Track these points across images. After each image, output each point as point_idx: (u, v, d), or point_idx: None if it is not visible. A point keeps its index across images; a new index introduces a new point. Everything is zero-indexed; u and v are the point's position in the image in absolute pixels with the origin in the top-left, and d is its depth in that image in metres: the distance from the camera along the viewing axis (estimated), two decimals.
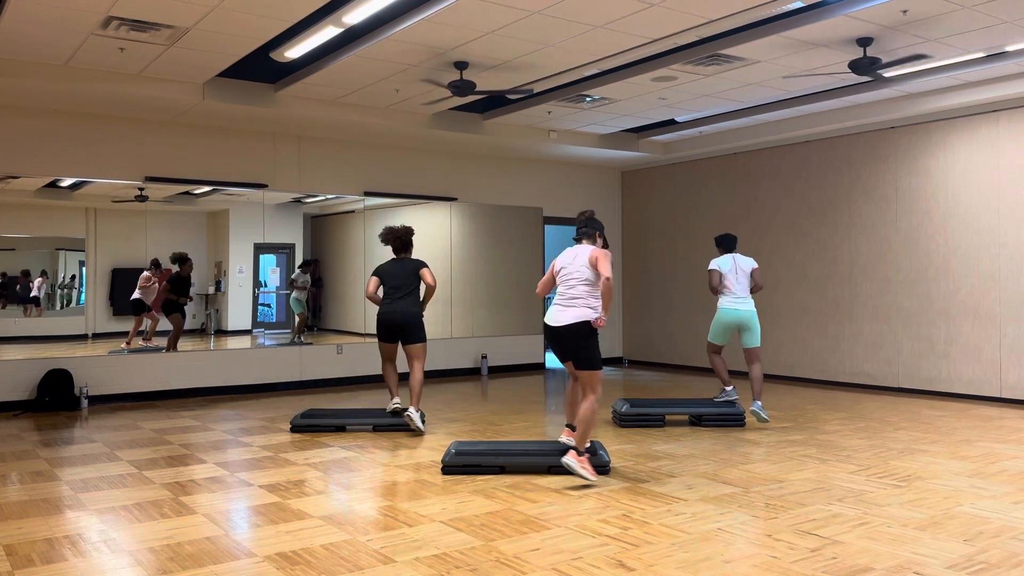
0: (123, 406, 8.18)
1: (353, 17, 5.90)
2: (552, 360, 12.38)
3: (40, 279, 8.74)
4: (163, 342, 9.07)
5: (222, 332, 9.82)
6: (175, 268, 9.20)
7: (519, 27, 6.16)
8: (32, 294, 8.69)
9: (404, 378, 8.46)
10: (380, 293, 6.69)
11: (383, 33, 6.31)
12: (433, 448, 5.99)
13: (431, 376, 10.27)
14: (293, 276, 10.22)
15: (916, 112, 8.45)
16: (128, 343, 9.03)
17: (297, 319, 10.23)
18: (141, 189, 8.80)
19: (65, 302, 9.00)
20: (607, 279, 4.94)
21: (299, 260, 10.24)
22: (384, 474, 5.22)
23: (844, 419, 7.18)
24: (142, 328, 9.19)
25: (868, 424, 6.93)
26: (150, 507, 4.44)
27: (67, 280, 8.97)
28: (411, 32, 6.24)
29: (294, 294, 10.23)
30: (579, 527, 4.03)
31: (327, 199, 10.18)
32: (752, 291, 6.96)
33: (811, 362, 9.83)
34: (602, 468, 5.13)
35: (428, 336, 6.70)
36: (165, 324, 9.17)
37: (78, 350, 8.69)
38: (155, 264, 9.16)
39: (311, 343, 10.00)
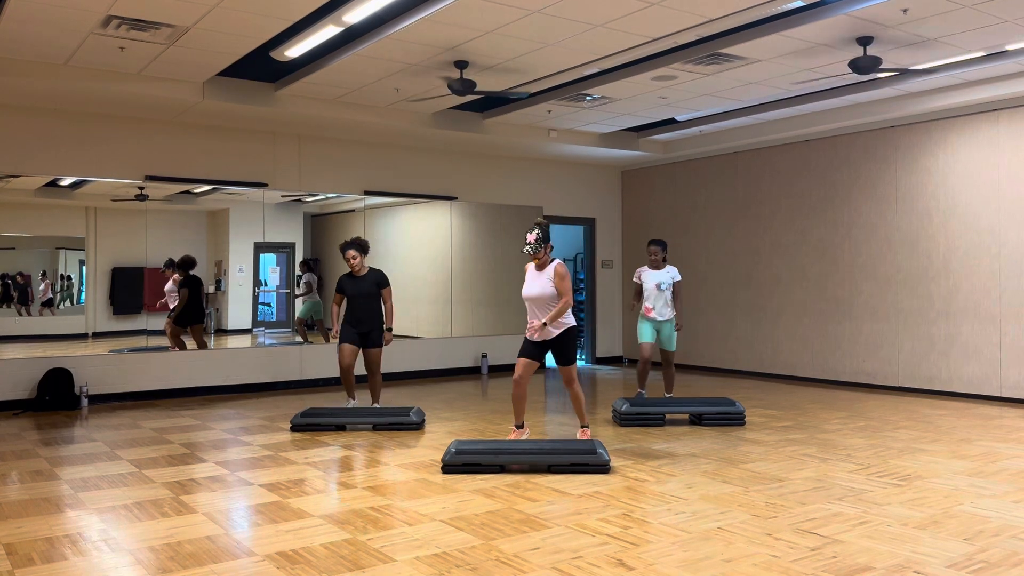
0: (123, 405, 8.18)
1: (353, 16, 5.90)
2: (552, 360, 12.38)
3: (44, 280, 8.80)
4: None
5: (222, 331, 9.83)
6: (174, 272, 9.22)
7: (519, 26, 6.16)
8: (48, 296, 8.77)
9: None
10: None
11: (383, 32, 6.31)
12: (433, 447, 5.99)
13: (431, 375, 10.28)
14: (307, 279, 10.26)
15: (916, 111, 8.44)
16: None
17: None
18: (141, 188, 8.80)
19: (64, 301, 9.00)
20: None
21: (299, 259, 10.23)
22: (384, 473, 5.22)
23: (844, 418, 7.18)
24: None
25: (868, 423, 6.93)
26: (150, 506, 4.44)
27: (66, 279, 8.97)
28: (411, 31, 6.24)
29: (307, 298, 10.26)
30: (579, 526, 4.03)
31: (327, 198, 10.18)
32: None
33: (811, 361, 9.83)
34: (602, 467, 5.14)
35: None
36: (154, 323, 9.19)
37: (78, 349, 8.69)
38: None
39: (312, 342, 10.00)
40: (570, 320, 5.78)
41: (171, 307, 9.13)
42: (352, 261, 7.13)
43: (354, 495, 4.70)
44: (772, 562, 3.51)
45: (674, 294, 7.45)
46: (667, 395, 7.57)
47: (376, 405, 7.27)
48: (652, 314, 7.41)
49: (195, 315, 9.19)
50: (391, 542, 3.81)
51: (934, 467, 5.30)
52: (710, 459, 5.54)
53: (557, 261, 5.79)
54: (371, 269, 7.25)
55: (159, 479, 5.06)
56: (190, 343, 9.16)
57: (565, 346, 5.77)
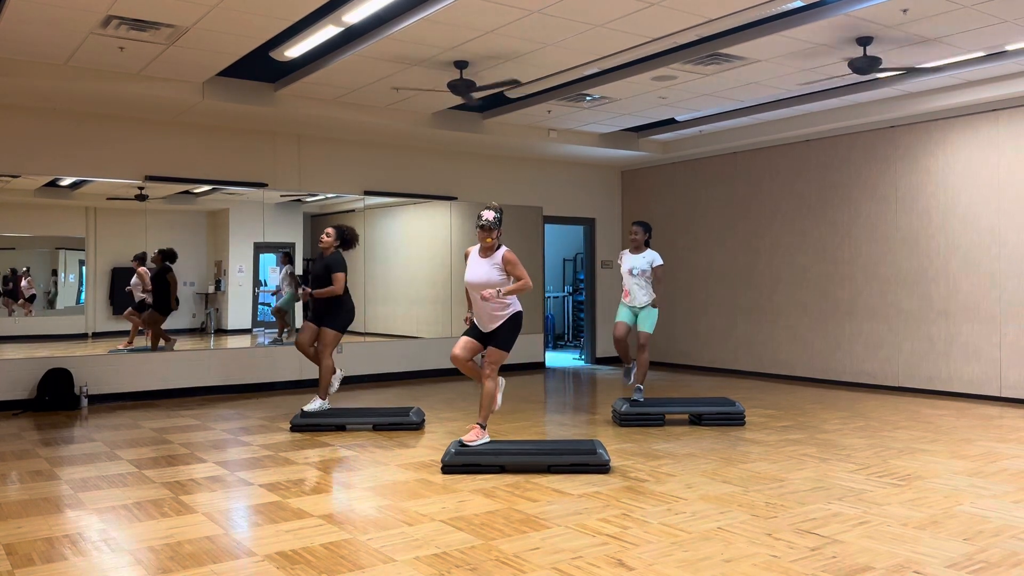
0: (123, 405, 8.18)
1: (353, 16, 5.91)
2: (552, 360, 12.37)
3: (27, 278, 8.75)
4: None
5: (222, 331, 9.83)
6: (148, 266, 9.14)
7: (519, 26, 6.16)
8: (31, 293, 8.72)
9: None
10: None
11: (383, 32, 6.31)
12: (433, 447, 5.99)
13: (431, 375, 10.27)
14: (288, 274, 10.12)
15: (916, 111, 8.44)
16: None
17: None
18: (141, 188, 8.80)
19: (52, 301, 8.95)
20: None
21: (300, 260, 10.22)
22: (384, 473, 5.22)
23: (844, 418, 7.18)
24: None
25: (868, 423, 6.93)
26: (150, 506, 4.44)
27: (64, 280, 8.96)
28: (411, 31, 6.24)
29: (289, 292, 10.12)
30: (579, 526, 4.03)
31: (327, 198, 10.18)
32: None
33: (811, 361, 9.83)
34: (602, 467, 5.14)
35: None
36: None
37: (78, 349, 8.69)
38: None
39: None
40: (517, 306, 5.46)
41: (135, 299, 9.00)
42: (323, 238, 6.99)
43: (354, 495, 4.70)
44: (772, 562, 3.51)
45: (656, 279, 7.06)
46: (636, 385, 7.13)
47: (312, 405, 6.88)
48: (628, 299, 7.14)
49: (167, 307, 9.15)
50: (391, 542, 3.81)
51: (934, 467, 5.30)
52: (710, 459, 5.54)
53: (506, 248, 5.48)
54: (335, 252, 6.96)
55: (159, 479, 5.06)
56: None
57: (506, 330, 5.41)
